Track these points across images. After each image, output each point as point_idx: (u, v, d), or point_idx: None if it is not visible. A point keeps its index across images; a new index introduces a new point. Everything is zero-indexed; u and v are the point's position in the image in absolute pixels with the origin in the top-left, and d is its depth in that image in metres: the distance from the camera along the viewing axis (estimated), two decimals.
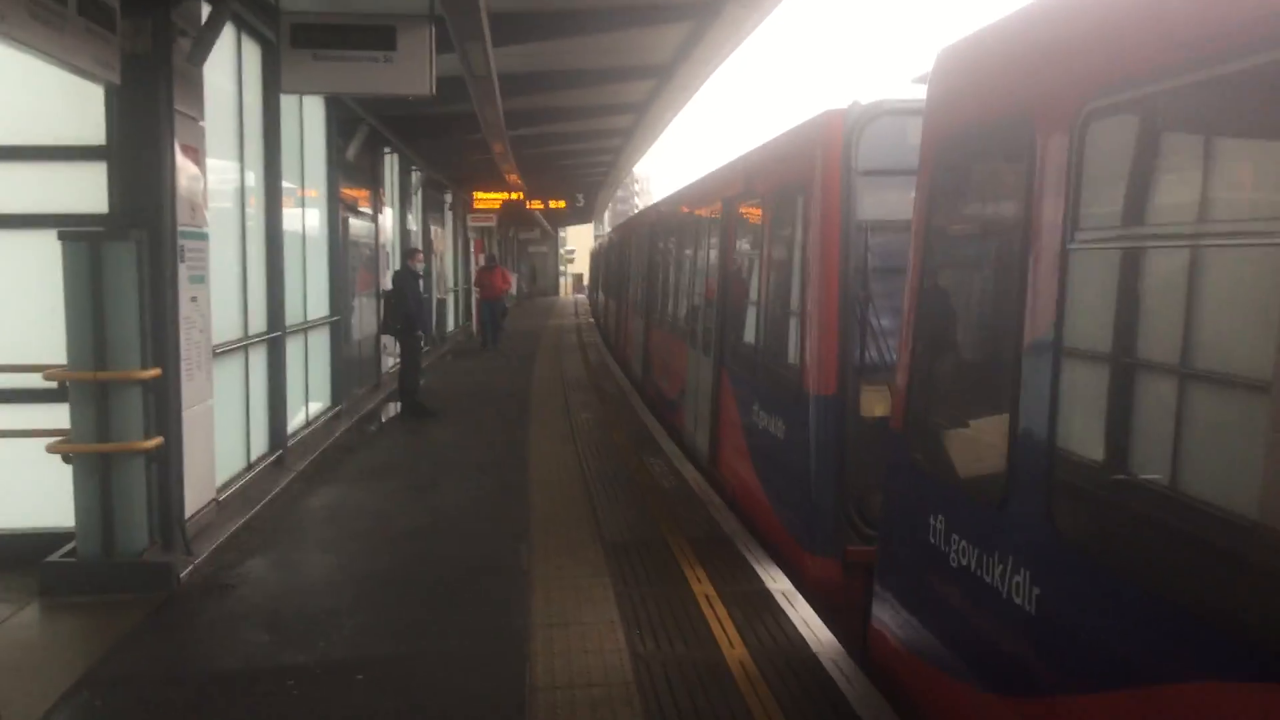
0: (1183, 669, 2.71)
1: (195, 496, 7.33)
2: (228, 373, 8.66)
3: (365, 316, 14.78)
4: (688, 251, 12.23)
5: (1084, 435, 3.48)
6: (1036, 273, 3.62)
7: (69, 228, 6.57)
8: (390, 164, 17.44)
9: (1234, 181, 2.96)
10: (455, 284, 27.23)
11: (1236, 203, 2.93)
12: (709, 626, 5.80)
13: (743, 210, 9.20)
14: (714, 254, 10.11)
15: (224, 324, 8.45)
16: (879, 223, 6.46)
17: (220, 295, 8.27)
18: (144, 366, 6.63)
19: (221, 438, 8.17)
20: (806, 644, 5.53)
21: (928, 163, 4.79)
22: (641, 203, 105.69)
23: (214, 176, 8.26)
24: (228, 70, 8.69)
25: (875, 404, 6.20)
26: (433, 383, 17.22)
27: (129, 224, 6.64)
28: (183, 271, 7.05)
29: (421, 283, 13.85)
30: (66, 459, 6.63)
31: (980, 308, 4.58)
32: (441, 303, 24.04)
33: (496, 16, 8.86)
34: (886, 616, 4.87)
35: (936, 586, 4.35)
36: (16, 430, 6.79)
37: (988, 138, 4.26)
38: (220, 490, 8.16)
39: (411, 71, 6.92)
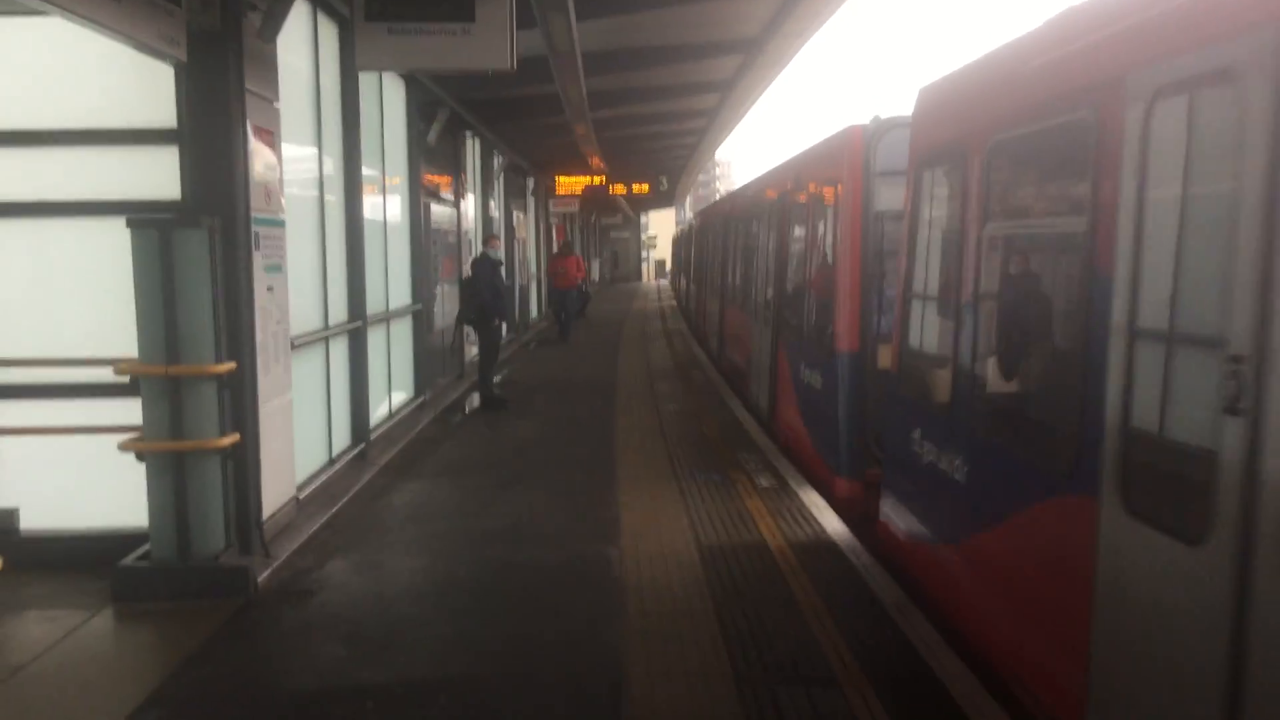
0: (1030, 498, 4.45)
1: (274, 495, 7.02)
2: (308, 365, 8.36)
3: (448, 305, 14.48)
4: (749, 238, 14.14)
5: (992, 370, 5.13)
6: (964, 253, 5.33)
7: (139, 215, 6.26)
8: (472, 148, 17.12)
9: (1046, 193, 4.83)
10: (538, 271, 26.92)
11: (1051, 204, 4.74)
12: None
13: (789, 203, 10.87)
14: (768, 240, 12.06)
15: (303, 314, 8.14)
16: (892, 213, 7.74)
17: (298, 285, 7.96)
18: (218, 360, 6.30)
19: (301, 433, 7.87)
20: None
21: (911, 170, 6.53)
22: (723, 188, 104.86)
23: (290, 162, 7.94)
24: (304, 51, 8.35)
25: (888, 358, 7.16)
26: (515, 373, 16.93)
27: (200, 210, 6.31)
28: (258, 260, 6.71)
29: (502, 269, 13.41)
30: (139, 457, 6.35)
31: (939, 281, 5.97)
32: (524, 290, 23.76)
33: (585, 56, 8.40)
34: (888, 509, 6.69)
35: (917, 479, 6.07)
36: (89, 426, 6.54)
37: (943, 156, 5.89)
38: (301, 487, 7.86)
39: (491, 44, 6.46)
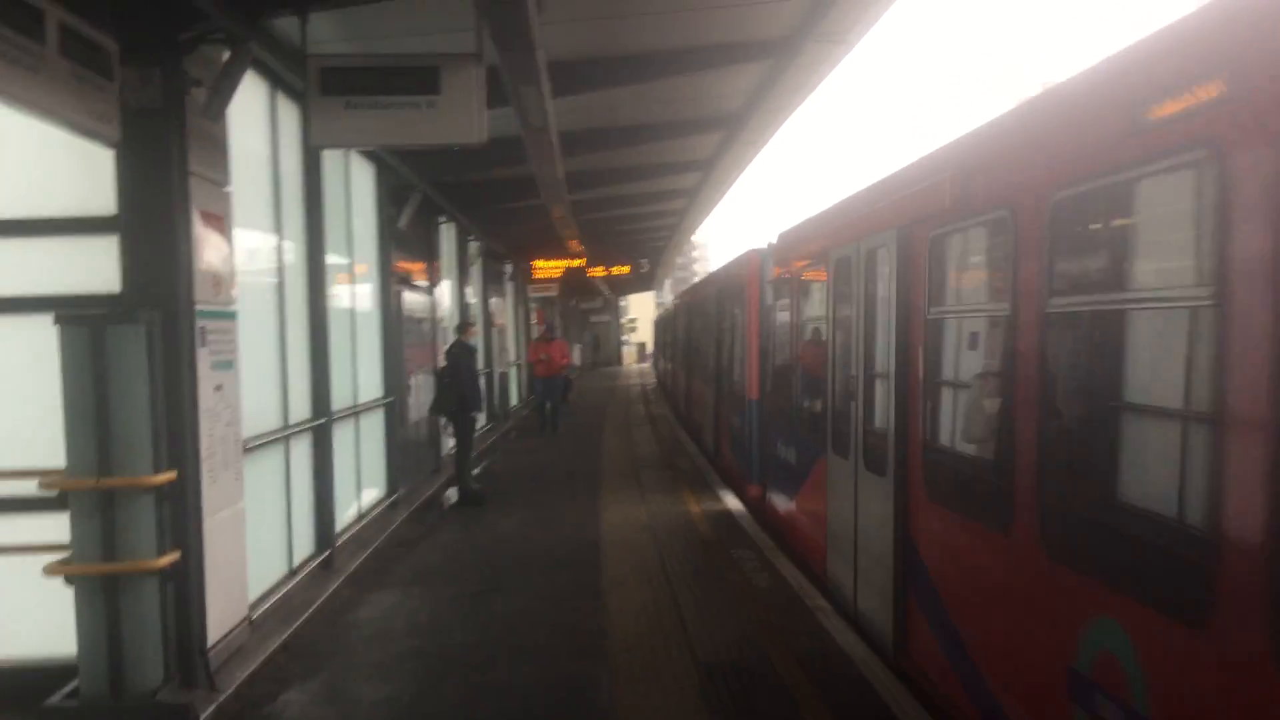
0: (806, 463, 8.67)
1: (222, 617, 6.29)
2: (264, 468, 7.68)
3: (422, 396, 13.81)
4: (695, 323, 19.85)
5: (796, 399, 9.18)
6: (792, 335, 9.51)
7: (69, 310, 5.65)
8: (447, 234, 16.63)
9: (814, 303, 8.91)
10: (518, 357, 26.31)
11: (816, 307, 8.76)
12: None
13: (717, 299, 15.62)
14: (706, 325, 17.29)
15: (259, 413, 7.50)
16: (777, 307, 10.70)
17: (254, 381, 7.33)
18: (156, 470, 5.64)
19: (256, 544, 7.16)
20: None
21: (769, 283, 11.10)
22: (701, 269, 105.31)
23: (246, 249, 7.39)
24: (260, 131, 7.85)
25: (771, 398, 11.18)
26: (495, 464, 16.21)
27: (138, 304, 5.70)
28: (204, 357, 6.09)
29: (477, 357, 12.83)
30: (68, 580, 5.64)
31: (777, 349, 10.68)
32: (504, 377, 23.12)
33: (554, 64, 7.98)
34: (767, 488, 10.89)
35: (774, 466, 10.42)
36: (11, 546, 5.83)
37: (780, 278, 10.06)
38: (255, 605, 7.12)
39: (459, 117, 5.94)
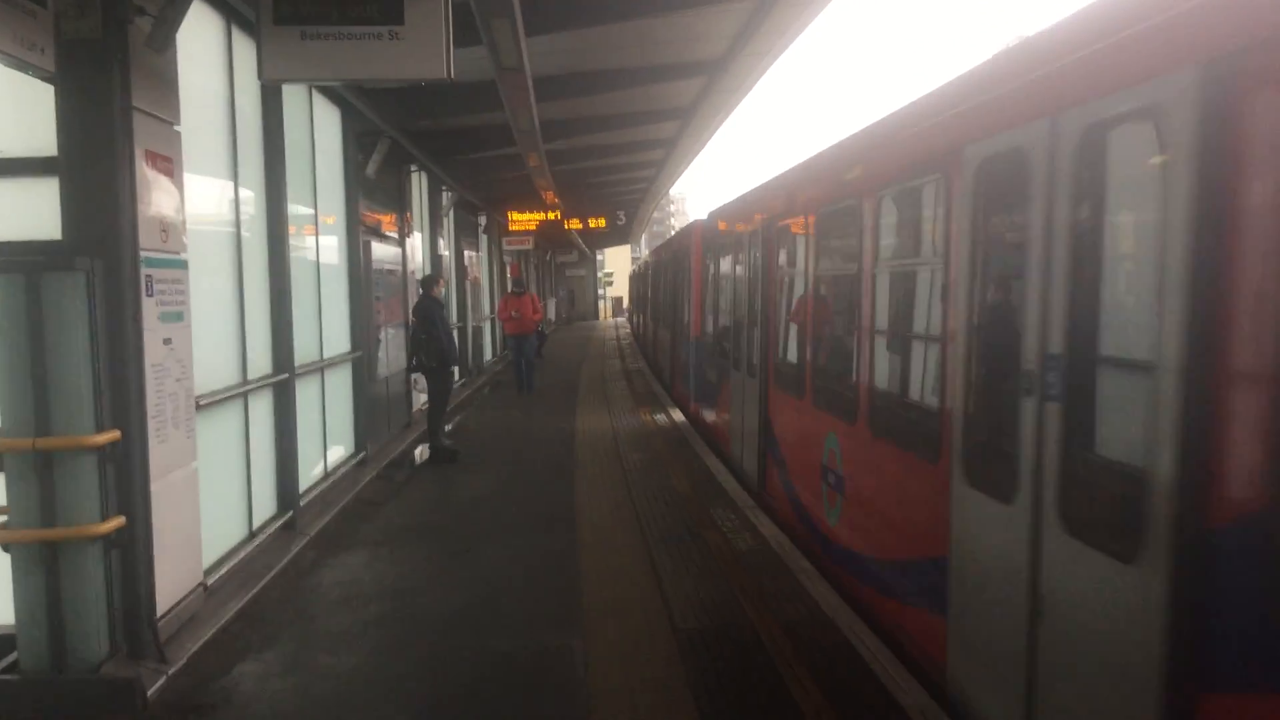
0: (721, 379, 12.42)
1: (173, 585, 5.94)
2: (222, 426, 7.30)
3: (393, 351, 13.41)
4: (660, 279, 22.72)
5: (717, 332, 12.92)
6: (717, 289, 13.34)
7: (5, 258, 5.22)
8: (418, 183, 16.14)
9: (729, 267, 12.29)
10: (492, 312, 25.84)
11: (732, 270, 11.89)
12: None
13: (675, 259, 18.43)
14: (665, 280, 20.67)
15: (215, 368, 7.11)
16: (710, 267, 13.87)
17: (209, 334, 6.95)
18: (99, 429, 5.26)
19: (213, 506, 6.81)
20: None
21: (706, 249, 14.40)
22: (677, 223, 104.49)
23: (199, 194, 6.95)
24: (216, 68, 7.37)
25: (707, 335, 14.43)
26: (468, 421, 15.87)
27: (77, 251, 5.27)
28: (150, 308, 5.68)
29: (451, 312, 12.42)
30: (4, 548, 5.28)
31: (707, 301, 14.44)
32: (478, 331, 22.68)
33: (536, 80, 7.54)
34: (695, 400, 15.03)
35: (702, 382, 14.36)
36: None
37: (705, 248, 14.41)
38: (211, 570, 6.78)
39: (424, 50, 5.49)
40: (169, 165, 6.01)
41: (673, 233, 50.47)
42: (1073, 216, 3.75)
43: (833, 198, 7.17)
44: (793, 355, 8.40)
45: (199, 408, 6.46)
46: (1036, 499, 3.95)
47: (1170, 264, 3.12)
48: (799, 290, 8.22)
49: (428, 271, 15.80)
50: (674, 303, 18.29)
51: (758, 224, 9.70)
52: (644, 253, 57.81)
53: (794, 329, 8.39)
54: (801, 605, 6.45)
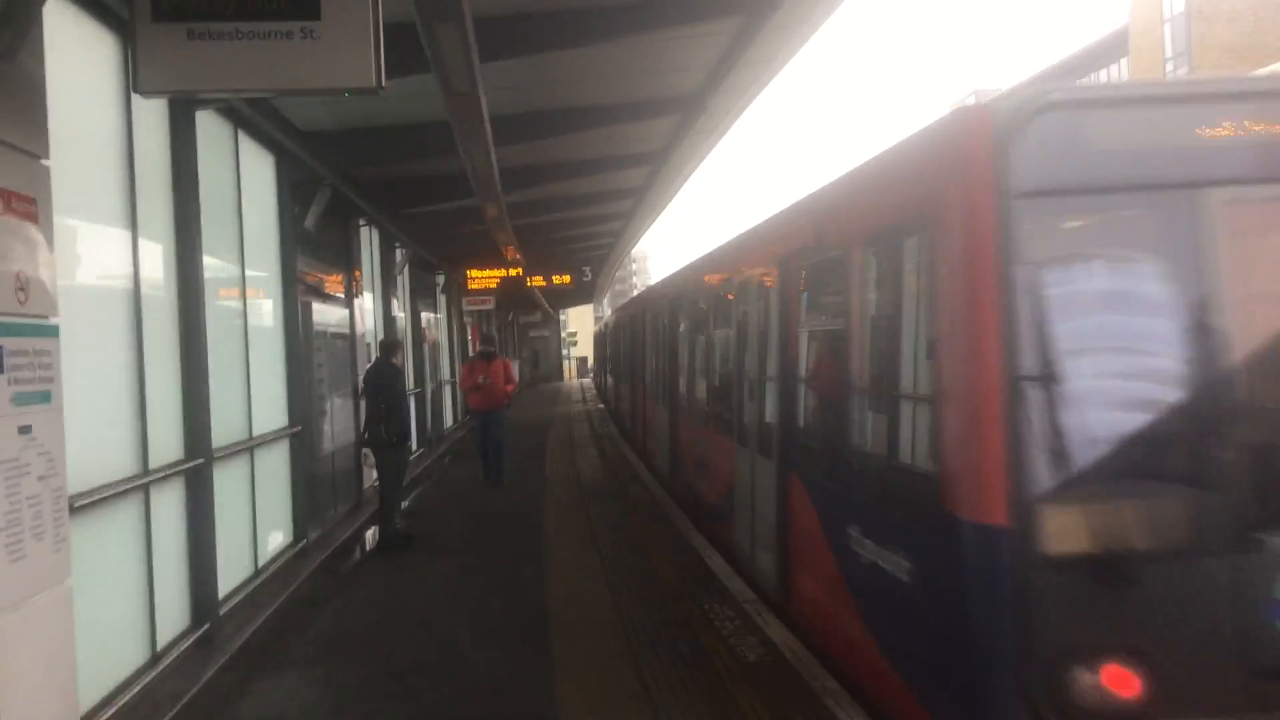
0: (650, 404, 16.66)
1: None
2: (112, 528, 5.96)
3: (339, 423, 12.08)
4: (619, 336, 25.58)
5: (632, 376, 19.99)
6: (636, 347, 19.41)
7: None
8: (369, 239, 14.89)
9: (639, 331, 18.90)
10: (453, 376, 24.50)
11: (636, 335, 19.78)
12: None
13: (631, 320, 20.94)
14: (622, 337, 23.79)
15: (103, 458, 5.81)
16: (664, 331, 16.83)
17: (95, 416, 5.66)
18: None
19: (97, 629, 5.48)
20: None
21: (656, 315, 16.51)
22: (640, 283, 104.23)
23: (81, 245, 5.71)
24: (107, 96, 6.15)
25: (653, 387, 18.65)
26: (426, 498, 14.48)
27: None
28: (2, 388, 4.39)
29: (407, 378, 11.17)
30: None
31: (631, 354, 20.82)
32: (437, 394, 21.34)
33: (481, 21, 6.46)
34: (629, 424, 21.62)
35: (631, 409, 21.04)
36: None
37: (637, 315, 19.76)
38: (95, 712, 5.41)
39: (345, 52, 4.30)
40: (29, 207, 4.74)
41: (635, 292, 50.70)
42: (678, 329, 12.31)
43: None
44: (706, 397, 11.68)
45: (75, 510, 5.13)
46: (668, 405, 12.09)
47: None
48: (684, 358, 12.33)
49: (381, 336, 14.52)
50: (629, 359, 21.22)
51: (670, 301, 13.86)
52: (607, 312, 57.07)
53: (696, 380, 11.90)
54: None
